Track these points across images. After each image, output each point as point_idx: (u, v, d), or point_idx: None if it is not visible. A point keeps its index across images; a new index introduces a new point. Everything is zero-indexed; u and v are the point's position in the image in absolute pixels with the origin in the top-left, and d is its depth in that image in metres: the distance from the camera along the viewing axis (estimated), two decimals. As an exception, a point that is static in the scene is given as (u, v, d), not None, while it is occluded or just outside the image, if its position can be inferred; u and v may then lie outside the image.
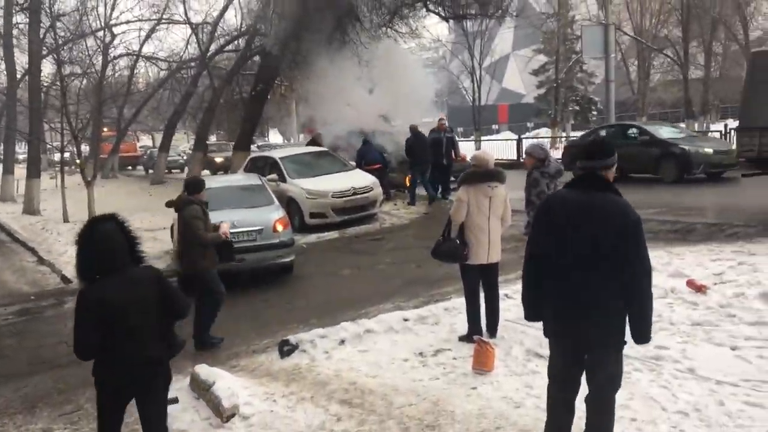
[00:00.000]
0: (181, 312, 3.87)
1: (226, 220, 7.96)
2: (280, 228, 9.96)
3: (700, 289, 6.77)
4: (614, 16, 27.56)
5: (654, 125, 18.55)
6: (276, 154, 15.85)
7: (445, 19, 20.82)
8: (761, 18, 29.46)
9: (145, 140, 52.97)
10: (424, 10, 19.52)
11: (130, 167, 40.06)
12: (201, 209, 7.24)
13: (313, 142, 17.56)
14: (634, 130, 17.14)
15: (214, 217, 8.41)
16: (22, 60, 22.67)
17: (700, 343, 5.57)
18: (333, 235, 13.34)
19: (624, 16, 30.66)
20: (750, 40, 27.69)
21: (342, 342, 6.42)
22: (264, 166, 15.13)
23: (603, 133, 17.98)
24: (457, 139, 17.69)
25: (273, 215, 10.13)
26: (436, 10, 19.61)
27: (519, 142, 24.62)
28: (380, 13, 18.27)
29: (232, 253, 7.56)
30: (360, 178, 14.60)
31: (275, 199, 10.89)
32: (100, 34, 26.61)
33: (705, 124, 28.59)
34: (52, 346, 7.82)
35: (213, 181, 11.69)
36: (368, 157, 16.24)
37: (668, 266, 7.86)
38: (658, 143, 16.19)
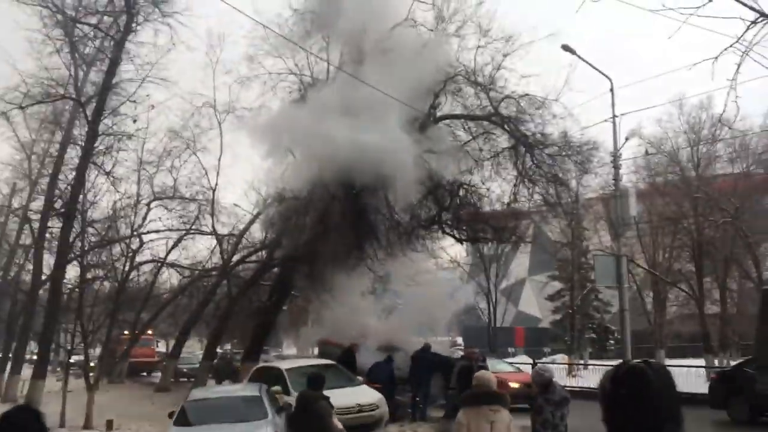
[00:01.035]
0: None
1: None
2: None
3: None
4: (627, 249, 28.25)
5: None
6: (282, 365, 15.58)
7: (460, 241, 21.49)
8: (773, 258, 29.96)
9: (162, 346, 52.16)
10: (440, 231, 20.25)
11: (144, 373, 37.53)
12: (329, 404, 7.73)
13: (349, 351, 17.32)
14: None
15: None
16: (48, 262, 23.25)
17: None
18: (333, 455, 12.61)
19: (637, 249, 31.35)
20: (764, 279, 27.91)
21: None
22: (269, 376, 14.79)
23: None
24: (488, 366, 17.35)
25: (261, 431, 9.18)
26: (452, 233, 20.32)
27: (533, 366, 24.07)
28: (397, 233, 18.93)
29: None
30: (366, 395, 14.13)
31: (270, 413, 10.09)
32: (128, 241, 27.61)
33: (725, 360, 27.92)
34: None
35: (206, 391, 11.33)
36: (373, 374, 15.96)
37: None
38: None
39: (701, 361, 26.72)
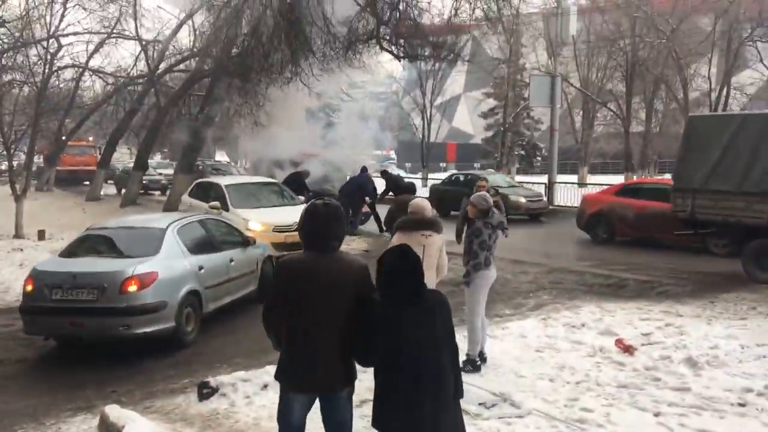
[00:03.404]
0: None
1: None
2: (132, 288, 7.58)
3: (627, 349, 6.81)
4: (562, 67, 28.37)
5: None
6: (222, 181, 15.61)
7: (398, 58, 20.98)
8: (701, 80, 30.64)
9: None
10: (378, 47, 19.62)
11: (87, 183, 32.62)
12: None
13: (298, 175, 17.42)
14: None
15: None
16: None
17: (624, 407, 5.56)
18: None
19: (572, 67, 31.53)
20: (689, 100, 28.77)
21: (265, 386, 6.16)
22: (209, 191, 14.89)
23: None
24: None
25: (127, 270, 7.66)
26: (390, 49, 19.74)
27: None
28: (334, 47, 18.23)
29: None
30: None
31: (166, 251, 8.30)
32: (45, 43, 25.77)
33: (644, 176, 29.49)
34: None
35: (112, 221, 10.25)
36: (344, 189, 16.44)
37: (599, 323, 7.93)
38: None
39: (620, 178, 28.12)
